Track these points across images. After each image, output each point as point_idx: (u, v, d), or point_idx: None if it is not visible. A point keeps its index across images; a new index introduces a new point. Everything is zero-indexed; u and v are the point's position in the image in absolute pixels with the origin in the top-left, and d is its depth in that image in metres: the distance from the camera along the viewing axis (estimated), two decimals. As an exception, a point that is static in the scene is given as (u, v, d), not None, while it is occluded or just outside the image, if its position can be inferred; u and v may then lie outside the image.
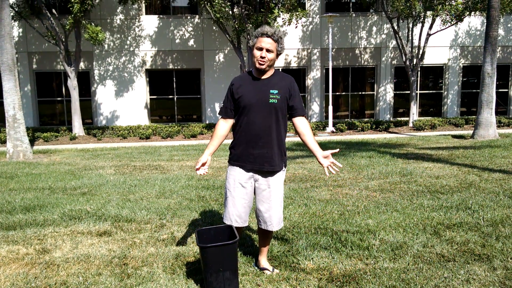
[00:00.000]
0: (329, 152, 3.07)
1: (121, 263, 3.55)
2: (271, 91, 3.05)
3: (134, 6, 17.40)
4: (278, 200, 3.19)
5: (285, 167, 3.24)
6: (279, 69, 18.32)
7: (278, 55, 3.05)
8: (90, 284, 3.17)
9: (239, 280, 3.07)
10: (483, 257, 3.47)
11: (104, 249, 3.88)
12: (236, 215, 3.14)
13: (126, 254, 3.73)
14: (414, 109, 17.24)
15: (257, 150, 3.07)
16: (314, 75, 18.69)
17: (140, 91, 18.08)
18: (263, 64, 3.00)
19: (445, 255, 3.53)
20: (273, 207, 3.17)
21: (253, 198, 3.23)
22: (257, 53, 3.00)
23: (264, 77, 3.10)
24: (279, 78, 3.12)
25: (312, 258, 3.53)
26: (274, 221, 3.18)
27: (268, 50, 2.98)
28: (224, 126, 3.18)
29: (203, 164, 3.12)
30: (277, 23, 16.03)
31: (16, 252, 3.85)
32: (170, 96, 18.54)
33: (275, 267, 3.40)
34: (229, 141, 3.21)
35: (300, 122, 3.15)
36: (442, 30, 16.91)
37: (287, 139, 11.03)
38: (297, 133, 3.21)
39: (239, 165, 3.14)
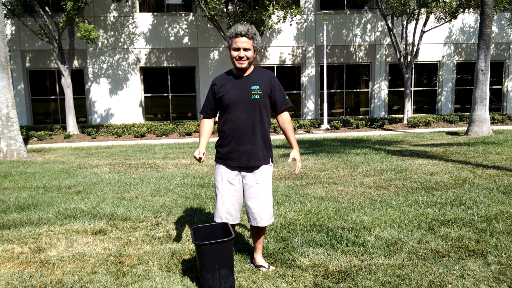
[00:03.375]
0: (296, 158, 3.24)
1: (116, 261, 3.54)
2: (253, 87, 3.11)
3: (127, 3, 17.31)
4: (267, 195, 3.21)
5: (272, 162, 3.26)
6: (268, 66, 18.27)
7: (255, 51, 3.10)
8: (86, 282, 3.16)
9: (235, 277, 3.07)
10: (478, 252, 3.50)
11: (100, 247, 3.87)
12: (225, 212, 3.17)
13: (121, 252, 3.72)
14: (409, 106, 17.31)
15: (242, 147, 3.11)
16: (308, 72, 18.70)
17: (134, 89, 18.01)
18: (243, 63, 3.06)
19: (440, 251, 3.55)
20: (262, 202, 3.18)
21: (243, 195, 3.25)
22: (234, 53, 3.05)
23: (244, 74, 3.15)
24: (259, 74, 3.18)
25: (307, 255, 3.54)
26: (264, 217, 3.20)
27: (245, 49, 3.04)
28: (209, 123, 3.26)
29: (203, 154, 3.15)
30: (272, 20, 16.02)
31: (11, 251, 3.83)
32: (165, 94, 18.49)
33: (271, 264, 3.41)
34: (215, 139, 3.25)
35: (282, 119, 3.25)
36: (436, 27, 16.97)
37: (280, 137, 11.06)
38: (280, 128, 3.31)
39: (225, 163, 3.18)
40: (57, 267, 3.45)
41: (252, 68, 3.18)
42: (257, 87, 3.11)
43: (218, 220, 3.19)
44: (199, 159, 3.08)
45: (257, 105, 3.10)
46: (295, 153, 3.24)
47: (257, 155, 3.14)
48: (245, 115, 3.09)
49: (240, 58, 3.04)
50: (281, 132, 3.36)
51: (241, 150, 3.11)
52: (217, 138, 3.25)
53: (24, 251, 3.82)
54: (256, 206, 3.18)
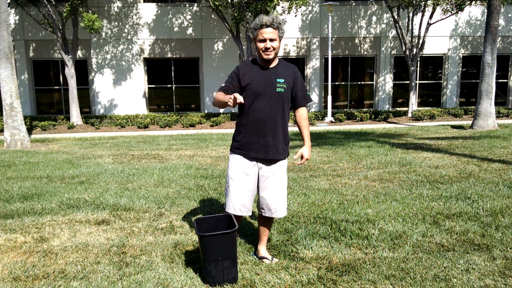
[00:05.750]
0: (305, 156, 3.19)
1: (119, 252, 3.53)
2: (278, 80, 3.08)
3: (132, -7, 17.22)
4: (283, 188, 3.20)
5: (288, 156, 3.24)
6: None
7: (280, 41, 3.07)
8: (89, 272, 3.15)
9: (238, 269, 3.06)
10: (483, 246, 3.47)
11: (103, 237, 3.86)
12: (240, 204, 3.13)
13: (124, 243, 3.72)
14: (413, 99, 17.19)
15: (262, 139, 3.08)
16: (313, 64, 18.59)
17: (138, 80, 17.97)
18: (269, 54, 3.03)
19: (445, 245, 3.52)
20: (278, 193, 3.17)
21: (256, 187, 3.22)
22: (260, 45, 3.01)
23: (270, 66, 3.11)
24: (284, 67, 3.15)
25: (311, 247, 3.52)
26: (279, 208, 3.19)
27: (271, 40, 2.99)
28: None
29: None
30: (276, 11, 15.89)
31: (14, 240, 3.83)
32: (169, 85, 18.44)
33: (274, 256, 3.40)
34: (232, 130, 3.21)
35: (299, 114, 3.23)
36: (442, 19, 16.79)
37: (291, 129, 11.08)
38: (295, 122, 3.29)
39: (243, 153, 3.13)
40: (60, 257, 3.45)
41: (277, 60, 3.14)
42: (283, 80, 3.08)
43: (231, 211, 3.14)
44: (235, 98, 2.76)
45: (281, 98, 3.07)
46: (305, 150, 3.19)
47: (277, 148, 3.12)
48: (268, 107, 3.05)
49: (267, 49, 2.99)
50: (296, 125, 3.29)
51: (260, 142, 3.08)
52: (235, 129, 3.22)
53: (27, 241, 3.82)
54: (272, 197, 3.16)
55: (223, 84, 3.13)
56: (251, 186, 3.15)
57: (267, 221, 3.30)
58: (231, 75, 3.13)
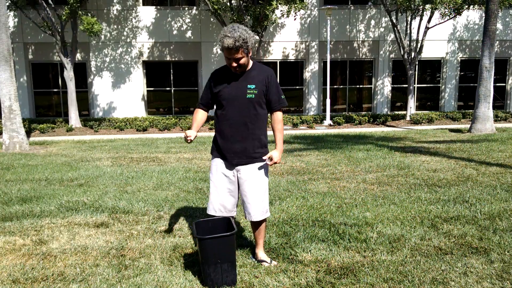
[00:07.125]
0: (274, 159, 3.12)
1: (118, 255, 3.54)
2: (249, 86, 3.07)
3: (131, -3, 17.25)
4: (259, 191, 3.18)
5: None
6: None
7: (249, 52, 3.03)
8: (88, 275, 3.16)
9: (237, 272, 3.07)
10: (480, 250, 3.48)
11: (102, 240, 3.87)
12: (219, 204, 3.17)
13: (123, 246, 3.72)
14: (412, 102, 17.24)
15: (235, 145, 3.11)
16: (312, 68, 18.64)
17: (137, 83, 17.99)
18: (238, 71, 3.05)
19: (443, 248, 3.54)
20: (254, 197, 3.16)
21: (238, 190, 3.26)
22: (228, 61, 3.01)
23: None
24: (257, 72, 3.12)
25: (310, 250, 3.53)
26: (256, 212, 3.19)
27: (235, 59, 2.97)
28: (202, 113, 3.25)
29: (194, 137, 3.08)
30: (275, 15, 15.95)
31: (13, 243, 3.83)
32: (168, 88, 18.46)
33: (273, 259, 3.40)
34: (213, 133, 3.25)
35: (273, 118, 3.20)
36: (440, 23, 16.88)
37: (284, 132, 11.12)
38: (271, 126, 3.25)
39: (220, 156, 3.19)
40: (59, 260, 3.45)
41: (251, 64, 3.12)
42: (253, 86, 3.07)
43: (211, 212, 3.20)
44: (188, 137, 3.01)
45: (251, 104, 3.07)
46: (275, 153, 3.12)
47: (249, 153, 3.12)
48: (238, 114, 3.06)
49: (233, 66, 3.00)
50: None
51: (233, 148, 3.11)
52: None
53: (26, 243, 3.82)
54: (249, 201, 3.18)
55: (201, 96, 3.23)
56: (231, 188, 3.18)
57: (255, 225, 3.31)
58: (207, 83, 3.21)
